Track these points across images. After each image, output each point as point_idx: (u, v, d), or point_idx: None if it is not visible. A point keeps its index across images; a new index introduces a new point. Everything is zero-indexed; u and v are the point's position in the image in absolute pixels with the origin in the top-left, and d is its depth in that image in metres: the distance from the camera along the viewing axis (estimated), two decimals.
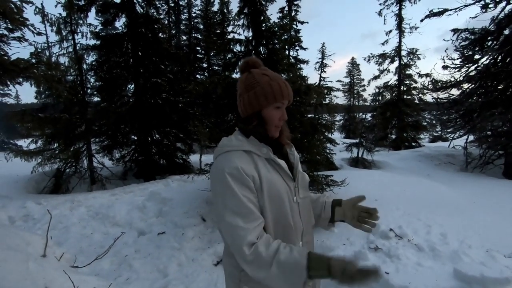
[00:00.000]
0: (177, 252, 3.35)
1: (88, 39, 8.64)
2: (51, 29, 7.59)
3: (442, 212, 3.94)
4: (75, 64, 7.67)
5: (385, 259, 2.73)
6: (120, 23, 8.45)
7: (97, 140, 8.60)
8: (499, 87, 7.65)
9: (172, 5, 16.61)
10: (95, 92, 8.43)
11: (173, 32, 15.99)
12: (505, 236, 3.16)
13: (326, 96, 4.77)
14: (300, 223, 1.05)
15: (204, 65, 17.07)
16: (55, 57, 7.98)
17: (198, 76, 15.71)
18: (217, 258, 3.28)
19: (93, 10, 8.05)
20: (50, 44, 8.19)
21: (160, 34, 8.84)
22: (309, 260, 0.82)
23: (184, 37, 17.29)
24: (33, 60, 4.74)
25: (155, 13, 9.12)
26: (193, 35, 17.15)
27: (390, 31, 14.74)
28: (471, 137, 8.86)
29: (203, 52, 16.95)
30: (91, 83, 8.38)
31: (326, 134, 5.64)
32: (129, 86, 8.86)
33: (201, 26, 17.54)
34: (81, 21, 8.02)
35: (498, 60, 7.59)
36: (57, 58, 7.98)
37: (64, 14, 7.70)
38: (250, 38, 4.87)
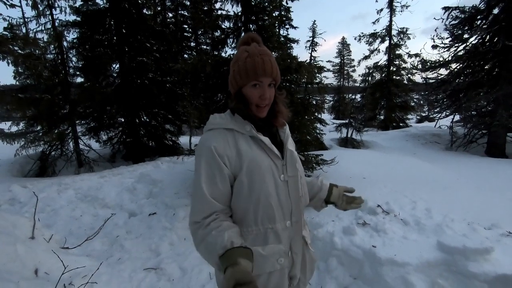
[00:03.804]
0: (168, 232, 3.37)
1: (68, 15, 8.17)
2: (26, 3, 7.12)
3: (427, 188, 4.06)
4: (55, 41, 7.27)
5: (373, 233, 2.82)
6: None
7: (82, 122, 8.35)
8: (486, 67, 7.75)
9: None
10: (78, 72, 8.09)
11: (159, 9, 15.23)
12: (485, 210, 3.31)
13: (317, 75, 4.70)
14: (288, 202, 1.03)
15: (192, 44, 16.47)
16: (32, 33, 7.53)
17: (186, 55, 15.20)
18: None
19: None
20: (26, 19, 7.69)
21: (145, 10, 8.44)
22: (225, 252, 0.81)
23: (170, 15, 16.53)
24: (8, 35, 4.44)
25: None
26: (179, 12, 16.41)
27: (382, 9, 14.64)
28: (457, 117, 9.07)
29: (190, 30, 16.29)
30: (74, 62, 8.03)
31: (316, 114, 5.64)
32: (114, 66, 8.52)
33: (188, 3, 16.76)
34: None
35: (487, 40, 7.64)
36: (35, 35, 7.54)
37: None
38: (239, 13, 4.70)
